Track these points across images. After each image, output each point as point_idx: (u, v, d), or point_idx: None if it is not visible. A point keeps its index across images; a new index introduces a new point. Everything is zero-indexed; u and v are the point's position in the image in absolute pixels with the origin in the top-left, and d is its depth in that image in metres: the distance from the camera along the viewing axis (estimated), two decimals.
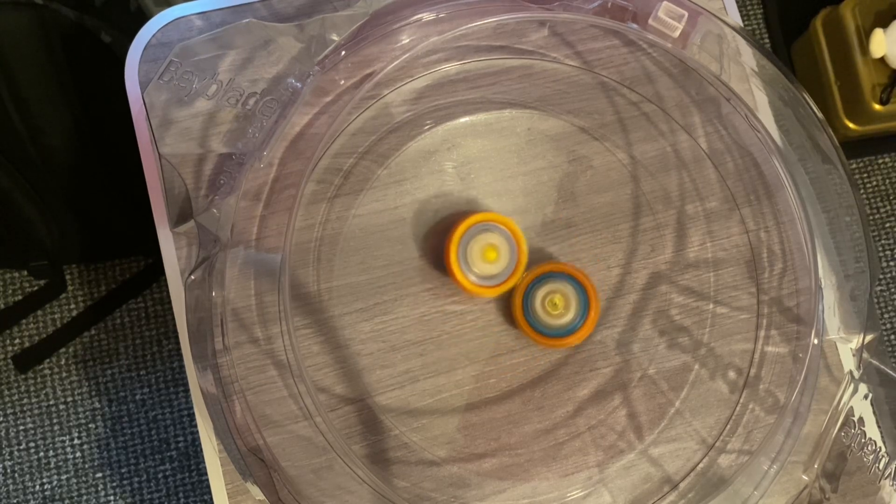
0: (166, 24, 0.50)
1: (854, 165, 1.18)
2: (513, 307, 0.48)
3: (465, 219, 0.48)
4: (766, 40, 1.20)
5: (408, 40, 0.50)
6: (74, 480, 1.02)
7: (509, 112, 0.52)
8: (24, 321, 1.04)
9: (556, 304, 0.48)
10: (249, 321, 0.48)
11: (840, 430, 0.48)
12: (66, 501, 1.01)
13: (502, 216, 0.48)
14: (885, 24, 1.01)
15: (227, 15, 0.51)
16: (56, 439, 1.02)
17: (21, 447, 1.02)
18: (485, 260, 0.47)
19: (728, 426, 0.50)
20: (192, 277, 0.45)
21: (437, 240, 0.50)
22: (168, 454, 1.03)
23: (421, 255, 0.49)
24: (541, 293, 0.48)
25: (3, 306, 1.04)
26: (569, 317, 0.48)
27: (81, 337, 1.04)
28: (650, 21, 0.49)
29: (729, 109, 0.52)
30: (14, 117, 0.78)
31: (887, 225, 1.17)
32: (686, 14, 0.49)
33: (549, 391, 0.49)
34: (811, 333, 0.48)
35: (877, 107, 1.02)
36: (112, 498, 1.02)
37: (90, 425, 1.03)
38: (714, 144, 0.52)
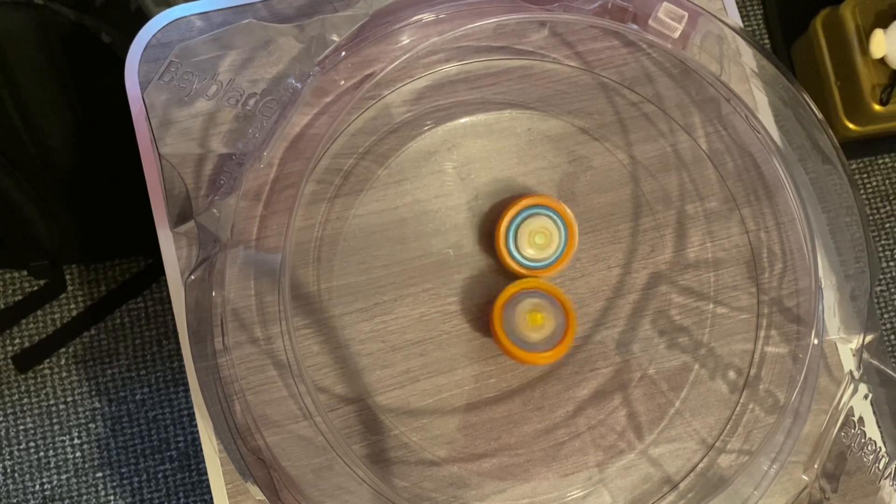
0: (166, 25, 0.51)
1: (854, 165, 1.18)
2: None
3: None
4: (766, 40, 1.20)
5: (408, 41, 0.50)
6: (74, 480, 1.02)
7: (509, 112, 0.52)
8: (24, 321, 1.04)
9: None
10: (249, 321, 0.48)
11: (840, 430, 0.48)
12: (66, 501, 1.01)
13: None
14: (885, 25, 1.01)
15: (228, 15, 0.51)
16: (56, 439, 1.02)
17: (21, 447, 1.02)
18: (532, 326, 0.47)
19: (728, 426, 0.50)
20: (192, 277, 0.45)
21: (440, 239, 0.50)
22: (168, 454, 1.03)
23: (421, 255, 0.49)
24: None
25: (3, 306, 1.04)
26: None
27: (81, 337, 1.04)
28: (650, 22, 0.49)
29: (729, 110, 0.52)
30: (14, 117, 0.78)
31: (887, 225, 1.17)
32: (686, 15, 0.49)
33: (549, 391, 0.49)
34: (811, 333, 0.48)
35: (877, 107, 1.02)
36: (112, 498, 1.02)
37: (90, 425, 1.03)
38: (714, 145, 0.52)
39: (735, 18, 0.53)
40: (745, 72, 0.52)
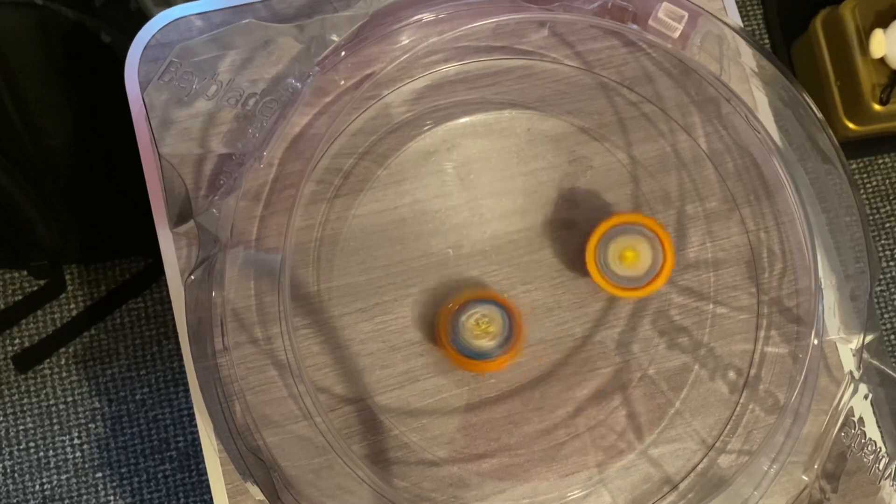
0: (166, 25, 0.50)
1: (854, 165, 1.18)
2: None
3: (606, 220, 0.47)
4: (766, 40, 1.20)
5: (408, 41, 0.50)
6: (74, 480, 1.02)
7: (509, 112, 0.52)
8: (24, 321, 1.04)
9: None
10: (249, 321, 0.48)
11: (840, 430, 0.48)
12: (66, 501, 1.01)
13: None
14: (885, 24, 1.01)
15: (227, 15, 0.51)
16: (56, 439, 1.02)
17: (21, 447, 1.02)
18: (624, 263, 0.47)
19: (728, 426, 0.50)
20: (192, 277, 0.45)
21: (440, 239, 0.50)
22: (168, 454, 1.03)
23: (421, 255, 0.49)
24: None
25: (3, 306, 1.04)
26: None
27: (81, 337, 1.04)
28: (650, 22, 0.49)
29: (729, 110, 0.52)
30: (14, 118, 0.78)
31: (887, 225, 1.17)
32: (686, 15, 0.49)
33: (549, 391, 0.49)
34: (811, 334, 0.48)
35: (877, 107, 1.02)
36: (112, 498, 1.02)
37: (90, 425, 1.03)
38: (714, 144, 0.52)
39: (735, 18, 0.53)
40: (744, 72, 0.52)
